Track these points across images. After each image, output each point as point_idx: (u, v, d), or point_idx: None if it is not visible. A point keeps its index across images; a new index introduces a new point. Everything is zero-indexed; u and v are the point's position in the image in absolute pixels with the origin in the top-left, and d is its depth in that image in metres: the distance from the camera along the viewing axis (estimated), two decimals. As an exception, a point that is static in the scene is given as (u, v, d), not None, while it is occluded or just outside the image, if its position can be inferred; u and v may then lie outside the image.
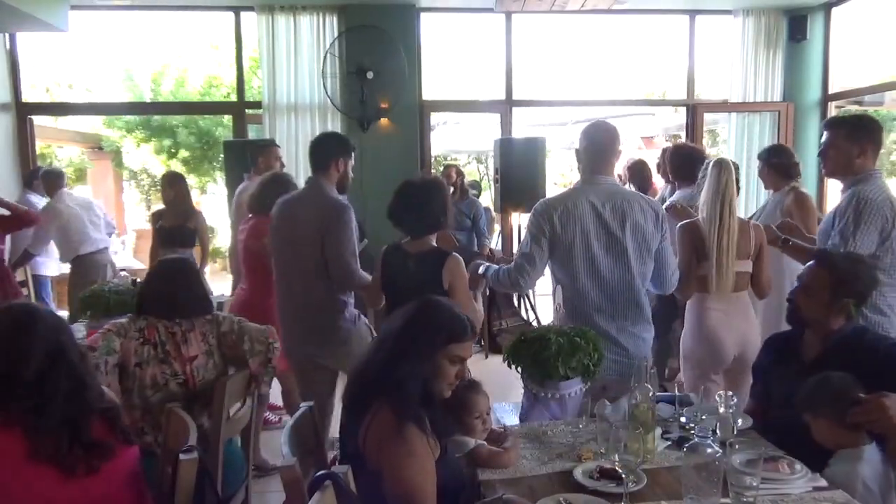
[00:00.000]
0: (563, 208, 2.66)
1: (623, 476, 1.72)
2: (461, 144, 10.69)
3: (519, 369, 2.37)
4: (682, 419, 2.21)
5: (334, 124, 6.19)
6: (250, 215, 3.84)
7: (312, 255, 3.00)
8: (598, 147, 2.73)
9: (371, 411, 1.66)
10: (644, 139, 11.85)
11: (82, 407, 1.57)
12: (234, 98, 7.40)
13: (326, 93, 6.06)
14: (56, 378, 1.55)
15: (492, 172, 6.72)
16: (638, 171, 5.12)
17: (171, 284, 2.57)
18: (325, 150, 3.11)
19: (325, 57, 6.04)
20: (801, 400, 1.98)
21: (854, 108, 11.12)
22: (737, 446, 1.71)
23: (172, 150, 11.97)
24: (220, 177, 11.68)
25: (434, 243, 2.84)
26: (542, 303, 3.18)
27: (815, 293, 2.23)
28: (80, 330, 3.63)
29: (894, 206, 2.69)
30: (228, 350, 2.58)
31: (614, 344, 2.64)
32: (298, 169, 5.89)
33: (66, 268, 5.80)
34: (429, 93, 6.66)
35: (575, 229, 2.64)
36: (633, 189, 4.52)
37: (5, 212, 4.80)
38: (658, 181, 5.41)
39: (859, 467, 1.87)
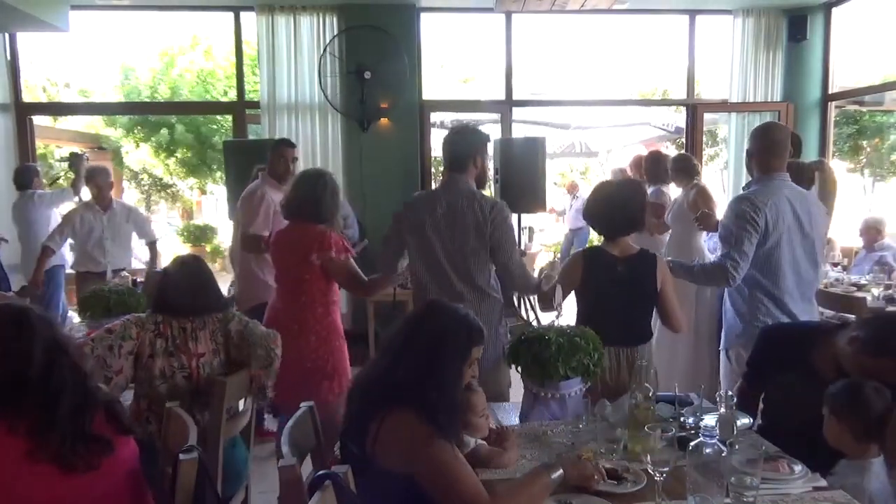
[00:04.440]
0: (772, 205, 2.78)
1: (624, 475, 1.72)
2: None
3: (519, 369, 2.37)
4: (683, 420, 2.21)
5: (334, 124, 6.19)
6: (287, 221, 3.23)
7: (474, 259, 2.78)
8: (778, 143, 2.89)
9: (381, 415, 1.63)
10: (645, 141, 11.85)
11: (87, 398, 1.58)
12: (233, 97, 7.40)
13: (325, 93, 6.06)
14: (60, 372, 1.55)
15: (491, 173, 6.70)
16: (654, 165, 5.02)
17: (187, 288, 2.59)
18: (461, 148, 2.87)
19: (324, 57, 6.03)
20: (829, 396, 1.93)
21: (854, 109, 11.14)
22: (737, 446, 1.71)
23: (171, 149, 11.97)
24: (219, 176, 11.69)
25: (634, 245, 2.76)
26: (541, 302, 3.15)
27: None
28: (80, 330, 3.64)
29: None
30: (234, 350, 2.61)
31: None
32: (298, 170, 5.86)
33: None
34: (429, 93, 6.66)
35: (782, 227, 2.79)
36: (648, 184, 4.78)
37: None
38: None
39: (866, 481, 1.84)
